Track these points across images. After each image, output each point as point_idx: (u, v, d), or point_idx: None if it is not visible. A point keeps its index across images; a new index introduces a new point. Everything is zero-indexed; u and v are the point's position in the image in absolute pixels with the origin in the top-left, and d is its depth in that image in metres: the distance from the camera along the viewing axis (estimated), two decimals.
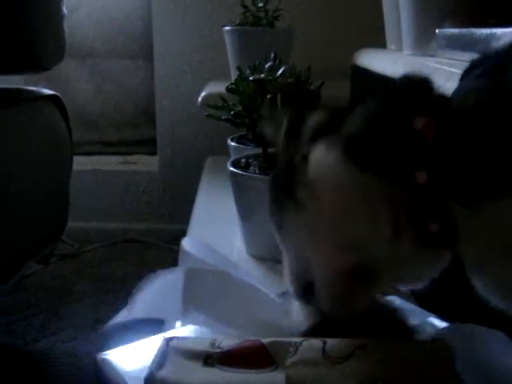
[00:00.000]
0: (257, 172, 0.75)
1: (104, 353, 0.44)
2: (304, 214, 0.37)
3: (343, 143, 0.36)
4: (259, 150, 0.79)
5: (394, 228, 0.35)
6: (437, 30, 0.75)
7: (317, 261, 0.39)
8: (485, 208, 0.31)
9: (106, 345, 0.44)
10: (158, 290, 0.48)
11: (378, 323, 0.41)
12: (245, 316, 0.43)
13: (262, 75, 0.77)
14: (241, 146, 0.94)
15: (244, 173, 0.73)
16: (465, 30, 0.66)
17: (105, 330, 0.46)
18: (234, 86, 0.79)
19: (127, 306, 0.48)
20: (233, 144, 0.95)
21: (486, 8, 0.76)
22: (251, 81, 0.77)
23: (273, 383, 0.34)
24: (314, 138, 0.38)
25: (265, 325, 0.42)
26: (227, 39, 1.26)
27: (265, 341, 0.37)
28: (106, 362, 0.43)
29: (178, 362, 0.36)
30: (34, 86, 1.06)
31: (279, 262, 0.73)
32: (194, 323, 0.45)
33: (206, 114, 0.83)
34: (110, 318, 0.50)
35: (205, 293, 0.46)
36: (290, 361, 0.35)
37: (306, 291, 0.42)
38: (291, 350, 0.35)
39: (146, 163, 1.77)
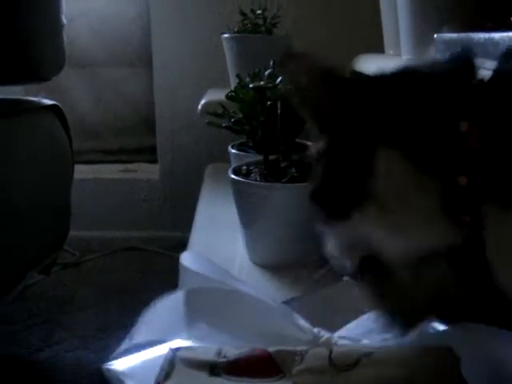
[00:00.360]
0: (258, 179, 0.75)
1: (109, 363, 0.44)
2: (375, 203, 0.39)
3: (403, 143, 0.38)
4: (260, 157, 0.80)
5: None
6: (435, 35, 0.75)
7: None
8: None
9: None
10: (159, 313, 0.48)
11: None
12: (249, 327, 0.43)
13: (262, 82, 0.77)
14: (241, 153, 0.94)
15: (245, 180, 0.74)
16: (463, 35, 0.67)
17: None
18: (233, 94, 0.79)
19: (129, 334, 0.48)
20: (233, 151, 0.95)
21: (484, 12, 0.76)
22: (251, 88, 0.77)
23: None
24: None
25: (269, 335, 0.42)
26: (226, 47, 1.26)
27: (271, 350, 0.37)
28: (111, 372, 0.43)
29: (185, 372, 0.36)
30: (35, 96, 1.06)
31: (282, 268, 0.74)
32: (197, 337, 0.44)
33: (207, 121, 0.83)
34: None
35: (208, 308, 0.46)
36: (296, 369, 0.35)
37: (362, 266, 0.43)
38: (297, 358, 0.35)
39: (147, 171, 1.77)
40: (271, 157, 0.79)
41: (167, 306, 0.48)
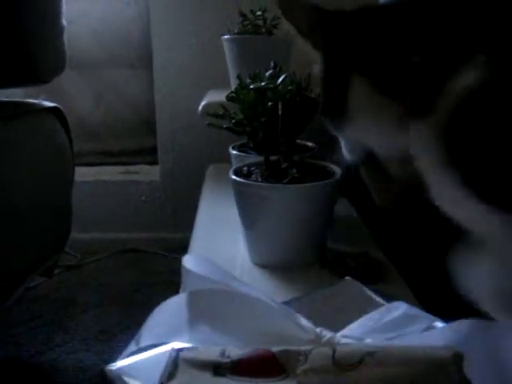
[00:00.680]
0: (259, 180, 0.75)
1: (112, 364, 0.44)
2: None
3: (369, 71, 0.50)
4: (261, 158, 0.80)
5: None
6: None
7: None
8: None
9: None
10: (163, 316, 0.48)
11: None
12: (251, 328, 0.43)
13: (263, 83, 0.77)
14: (242, 154, 0.94)
15: (246, 181, 0.74)
16: None
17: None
18: (234, 95, 0.79)
19: (134, 339, 0.48)
20: (234, 152, 0.95)
21: None
22: (252, 89, 0.77)
23: None
24: None
25: (271, 335, 0.42)
26: (226, 48, 1.26)
27: (274, 349, 0.37)
28: (114, 373, 0.43)
29: (189, 372, 0.36)
30: (35, 98, 1.06)
31: (283, 268, 0.74)
32: (199, 340, 0.44)
33: (207, 122, 0.83)
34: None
35: (210, 310, 0.46)
36: (300, 369, 0.35)
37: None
38: (301, 358, 0.35)
39: (148, 173, 1.77)
40: (272, 158, 0.79)
41: (170, 309, 0.48)
